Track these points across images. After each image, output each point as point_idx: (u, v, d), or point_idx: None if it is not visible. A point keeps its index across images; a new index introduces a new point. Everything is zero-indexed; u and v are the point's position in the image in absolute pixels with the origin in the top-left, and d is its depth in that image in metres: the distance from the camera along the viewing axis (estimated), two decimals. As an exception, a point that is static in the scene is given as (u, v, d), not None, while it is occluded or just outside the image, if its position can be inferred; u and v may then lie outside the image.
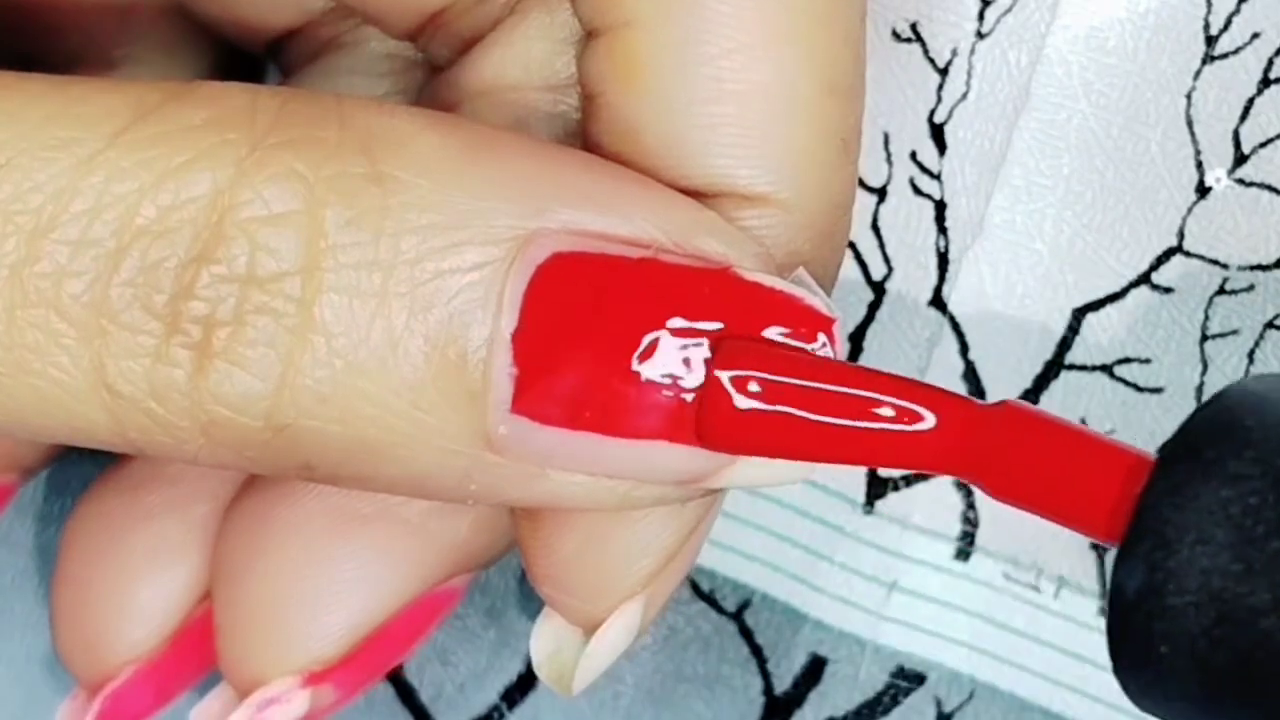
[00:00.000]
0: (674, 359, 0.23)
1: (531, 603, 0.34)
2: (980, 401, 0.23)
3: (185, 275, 0.22)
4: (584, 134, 0.26)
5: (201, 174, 0.22)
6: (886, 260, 0.33)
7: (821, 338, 0.23)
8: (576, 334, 0.23)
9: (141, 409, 0.23)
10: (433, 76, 0.29)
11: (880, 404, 0.23)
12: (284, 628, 0.29)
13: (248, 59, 0.32)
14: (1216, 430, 0.22)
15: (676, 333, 0.23)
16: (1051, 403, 0.33)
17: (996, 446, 0.23)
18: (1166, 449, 0.22)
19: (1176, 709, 0.22)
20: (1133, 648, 0.22)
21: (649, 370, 0.23)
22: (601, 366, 0.23)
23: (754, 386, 0.23)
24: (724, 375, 0.23)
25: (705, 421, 0.23)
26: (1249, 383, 0.23)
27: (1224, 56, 0.31)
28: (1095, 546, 0.33)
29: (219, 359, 0.22)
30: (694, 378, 0.23)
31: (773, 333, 0.23)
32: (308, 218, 0.22)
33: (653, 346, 0.23)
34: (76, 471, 0.34)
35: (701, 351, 0.23)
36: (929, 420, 0.23)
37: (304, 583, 0.29)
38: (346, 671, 0.29)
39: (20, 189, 0.22)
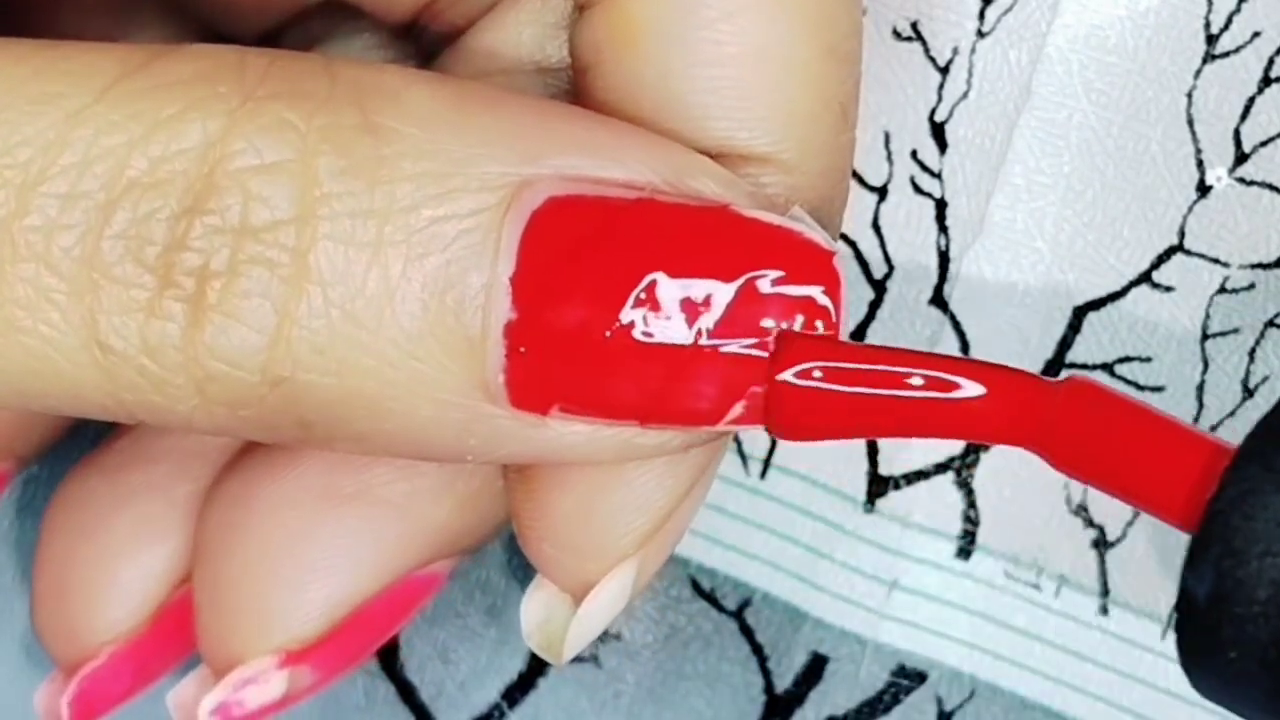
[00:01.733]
0: (673, 299, 0.23)
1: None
2: (1046, 378, 0.24)
3: (178, 227, 0.22)
4: None
5: (192, 125, 0.22)
6: (887, 259, 0.33)
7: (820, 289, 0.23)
8: (575, 276, 0.23)
9: (134, 366, 0.23)
10: (424, 66, 0.29)
11: (925, 377, 0.23)
12: (263, 605, 0.29)
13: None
14: None
15: (675, 274, 0.23)
16: (1053, 401, 0.33)
17: (1062, 420, 0.23)
18: (1243, 446, 0.22)
19: (1245, 708, 0.22)
20: (1202, 651, 0.22)
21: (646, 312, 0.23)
22: (601, 307, 0.23)
23: (817, 374, 0.23)
24: (788, 373, 0.23)
25: (775, 414, 0.24)
26: None
27: (1225, 55, 0.32)
28: (1096, 545, 0.33)
29: (213, 311, 0.22)
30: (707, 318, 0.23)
31: (773, 275, 0.23)
32: (301, 166, 0.22)
33: (651, 287, 0.23)
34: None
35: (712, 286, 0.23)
36: (974, 391, 0.23)
37: (284, 561, 0.29)
38: (325, 652, 0.29)
39: (8, 143, 0.22)
